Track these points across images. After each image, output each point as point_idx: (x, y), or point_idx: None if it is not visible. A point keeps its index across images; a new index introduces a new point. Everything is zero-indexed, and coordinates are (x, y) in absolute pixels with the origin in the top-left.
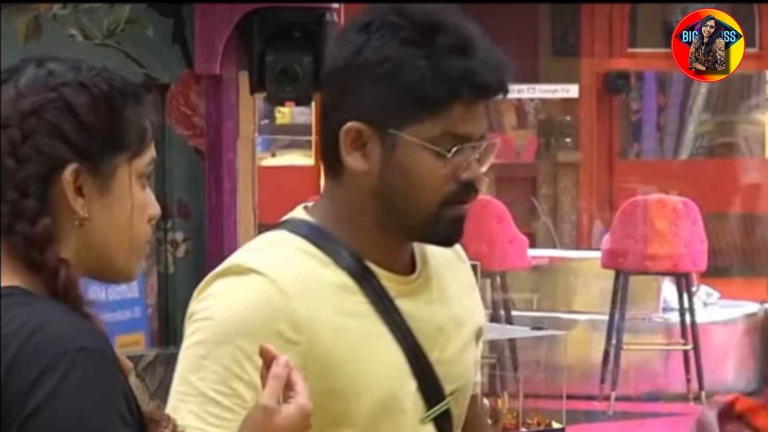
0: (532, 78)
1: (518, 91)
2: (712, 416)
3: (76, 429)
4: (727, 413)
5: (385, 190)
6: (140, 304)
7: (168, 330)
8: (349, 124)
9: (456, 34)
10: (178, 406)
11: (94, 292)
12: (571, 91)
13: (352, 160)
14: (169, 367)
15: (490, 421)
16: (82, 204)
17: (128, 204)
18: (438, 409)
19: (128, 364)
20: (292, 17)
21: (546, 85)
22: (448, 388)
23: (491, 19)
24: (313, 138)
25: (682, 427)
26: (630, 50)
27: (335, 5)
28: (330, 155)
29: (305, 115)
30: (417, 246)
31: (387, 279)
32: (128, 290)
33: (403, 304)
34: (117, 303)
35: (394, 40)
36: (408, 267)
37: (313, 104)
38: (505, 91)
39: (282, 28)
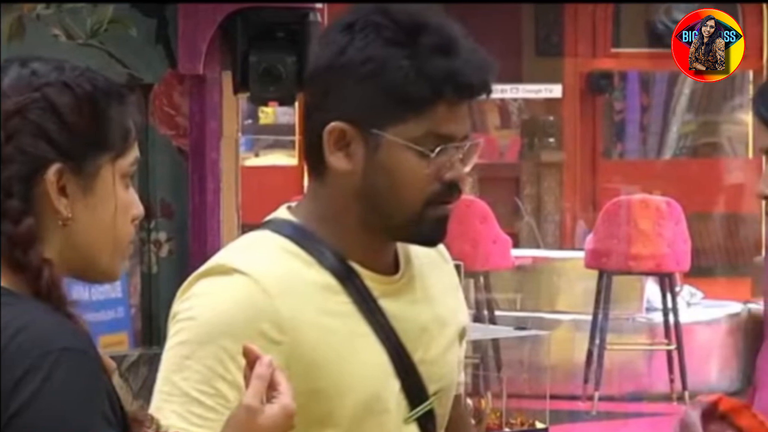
0: (516, 78)
1: (501, 91)
2: (695, 416)
3: (59, 429)
4: (710, 413)
5: (368, 190)
6: (123, 304)
7: (151, 330)
8: (333, 124)
9: (439, 34)
10: (162, 406)
11: (78, 292)
12: (555, 91)
13: (336, 160)
14: (153, 367)
15: (473, 421)
16: (66, 204)
17: (112, 204)
18: (421, 409)
19: (111, 364)
20: (275, 17)
21: (529, 85)
22: (431, 388)
23: (474, 19)
24: (297, 138)
25: (666, 427)
26: (613, 50)
27: (318, 5)
28: (313, 155)
29: (289, 115)
30: (400, 246)
31: (370, 279)
32: (111, 290)
33: (387, 304)
34: (100, 303)
35: (377, 40)
36: (391, 267)
37: (296, 104)
38: (489, 91)
39: (265, 28)
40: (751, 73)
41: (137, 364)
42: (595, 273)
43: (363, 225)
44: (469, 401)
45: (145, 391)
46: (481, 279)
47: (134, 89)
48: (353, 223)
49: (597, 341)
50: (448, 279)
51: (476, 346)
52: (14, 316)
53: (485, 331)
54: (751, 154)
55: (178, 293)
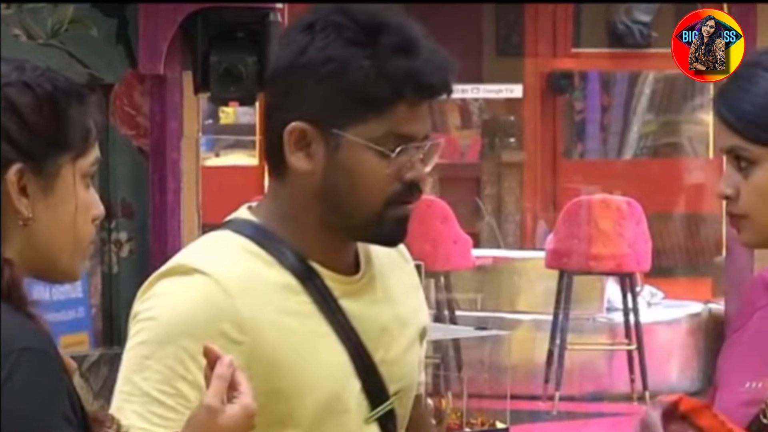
0: (476, 78)
1: (462, 91)
2: (656, 416)
3: (20, 429)
4: (671, 413)
5: (329, 190)
6: (84, 304)
7: (112, 330)
8: (293, 124)
9: (400, 34)
10: (122, 406)
11: (38, 292)
12: (515, 91)
13: (296, 160)
14: (113, 367)
15: (434, 421)
16: (26, 204)
17: (72, 204)
18: (382, 409)
19: (72, 364)
20: (236, 17)
21: (490, 85)
22: (392, 388)
23: (435, 19)
24: (257, 138)
25: (626, 427)
26: (574, 50)
27: (279, 5)
28: (274, 155)
29: (249, 115)
30: (361, 246)
31: (331, 279)
32: (72, 290)
33: (347, 304)
34: (61, 303)
35: (338, 40)
36: (352, 267)
37: (257, 104)
38: (449, 91)
39: (226, 28)
40: None
41: (98, 364)
42: (555, 273)
43: (323, 225)
44: (430, 401)
45: (106, 391)
46: (442, 279)
47: (95, 89)
48: (314, 223)
49: (557, 341)
50: (408, 279)
51: (437, 346)
52: None
53: (446, 331)
54: (711, 155)
55: (139, 293)
